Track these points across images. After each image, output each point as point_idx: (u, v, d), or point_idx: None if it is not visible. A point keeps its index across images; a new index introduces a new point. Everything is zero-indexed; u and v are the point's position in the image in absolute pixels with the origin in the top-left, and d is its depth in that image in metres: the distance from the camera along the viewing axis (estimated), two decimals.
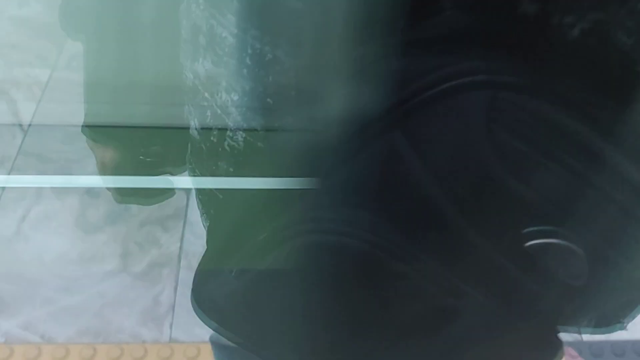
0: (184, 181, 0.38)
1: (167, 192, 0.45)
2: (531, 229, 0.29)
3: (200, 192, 0.38)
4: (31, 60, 1.25)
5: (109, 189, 0.44)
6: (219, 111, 0.33)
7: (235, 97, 0.32)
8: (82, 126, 0.42)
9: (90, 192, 1.06)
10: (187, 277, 0.98)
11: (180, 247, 1.02)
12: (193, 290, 0.36)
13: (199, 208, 0.38)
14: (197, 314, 0.35)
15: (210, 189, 0.35)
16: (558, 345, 0.35)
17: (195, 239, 1.03)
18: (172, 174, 0.43)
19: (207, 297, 0.36)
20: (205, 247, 0.38)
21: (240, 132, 0.33)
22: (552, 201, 0.29)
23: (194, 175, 0.38)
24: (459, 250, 0.29)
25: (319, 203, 0.30)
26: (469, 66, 0.28)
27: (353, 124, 0.29)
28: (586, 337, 0.90)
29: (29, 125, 1.11)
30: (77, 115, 0.41)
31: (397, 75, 0.29)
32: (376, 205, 0.29)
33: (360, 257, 0.30)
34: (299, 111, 0.31)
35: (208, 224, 0.38)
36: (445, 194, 0.28)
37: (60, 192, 1.07)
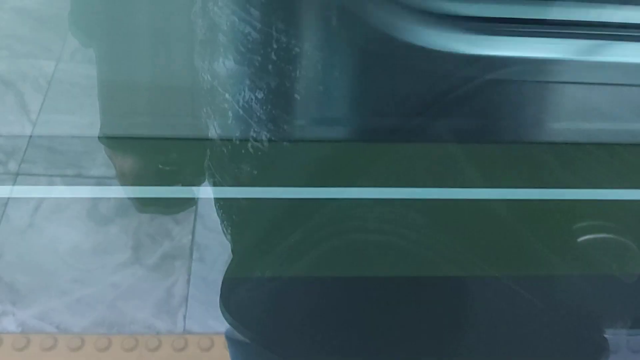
0: (203, 191, 0.36)
1: (189, 201, 0.44)
2: (583, 223, 0.28)
3: (220, 199, 0.37)
4: (36, 52, 1.24)
5: (130, 197, 0.44)
6: (241, 111, 0.32)
7: (260, 95, 0.30)
8: (99, 136, 0.41)
9: (101, 183, 1.05)
10: (199, 270, 0.98)
11: (192, 240, 1.02)
12: (222, 298, 0.35)
13: (218, 216, 0.37)
14: (228, 322, 0.34)
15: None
16: (604, 345, 0.33)
17: (206, 231, 1.03)
18: (192, 184, 0.42)
19: (238, 304, 0.35)
20: (231, 255, 0.37)
21: (265, 132, 0.32)
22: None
23: (214, 181, 0.37)
24: (509, 249, 0.28)
25: (361, 201, 0.29)
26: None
27: (392, 119, 0.27)
28: None
29: (37, 117, 1.11)
30: (85, 108, 0.40)
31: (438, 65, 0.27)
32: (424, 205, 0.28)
33: (409, 257, 0.29)
34: (328, 107, 0.30)
35: (230, 230, 0.37)
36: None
37: (72, 182, 1.07)
